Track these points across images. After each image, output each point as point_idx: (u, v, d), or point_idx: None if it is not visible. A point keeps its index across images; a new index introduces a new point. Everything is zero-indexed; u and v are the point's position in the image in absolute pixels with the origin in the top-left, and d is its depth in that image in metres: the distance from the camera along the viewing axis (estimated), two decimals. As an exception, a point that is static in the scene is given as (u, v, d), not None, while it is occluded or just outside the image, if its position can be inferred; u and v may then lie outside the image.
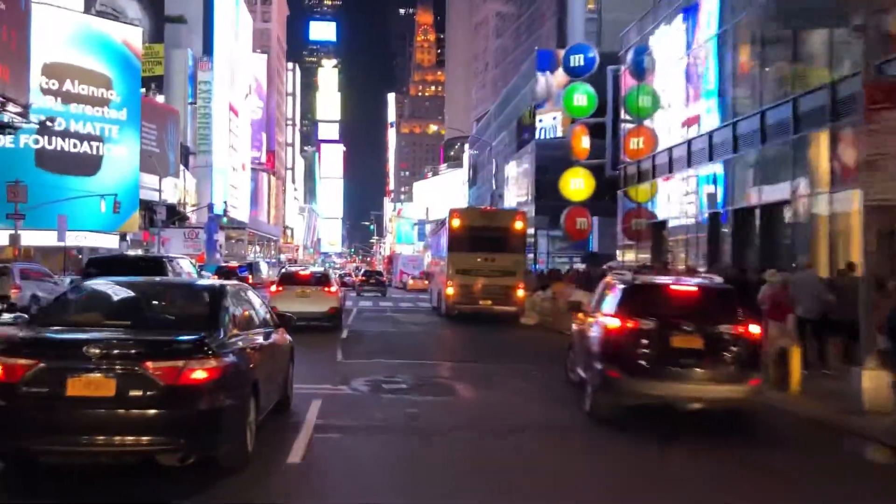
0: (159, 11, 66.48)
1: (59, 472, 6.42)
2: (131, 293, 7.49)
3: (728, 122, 25.18)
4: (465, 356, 16.01)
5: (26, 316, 11.93)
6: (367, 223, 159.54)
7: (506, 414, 9.86)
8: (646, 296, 9.27)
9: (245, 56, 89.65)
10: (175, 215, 57.43)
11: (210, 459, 6.21)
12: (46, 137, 44.80)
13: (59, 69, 45.81)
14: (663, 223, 32.13)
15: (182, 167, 64.64)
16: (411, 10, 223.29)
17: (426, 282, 62.04)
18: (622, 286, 9.45)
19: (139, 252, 51.99)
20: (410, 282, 60.36)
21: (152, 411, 5.72)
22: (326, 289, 20.18)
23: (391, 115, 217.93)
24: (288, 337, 9.03)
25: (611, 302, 9.54)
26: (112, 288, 7.64)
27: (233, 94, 79.29)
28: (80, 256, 47.91)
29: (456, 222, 24.70)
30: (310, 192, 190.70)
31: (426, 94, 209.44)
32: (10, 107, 33.41)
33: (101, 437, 5.73)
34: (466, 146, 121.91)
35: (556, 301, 23.40)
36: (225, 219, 55.16)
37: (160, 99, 59.74)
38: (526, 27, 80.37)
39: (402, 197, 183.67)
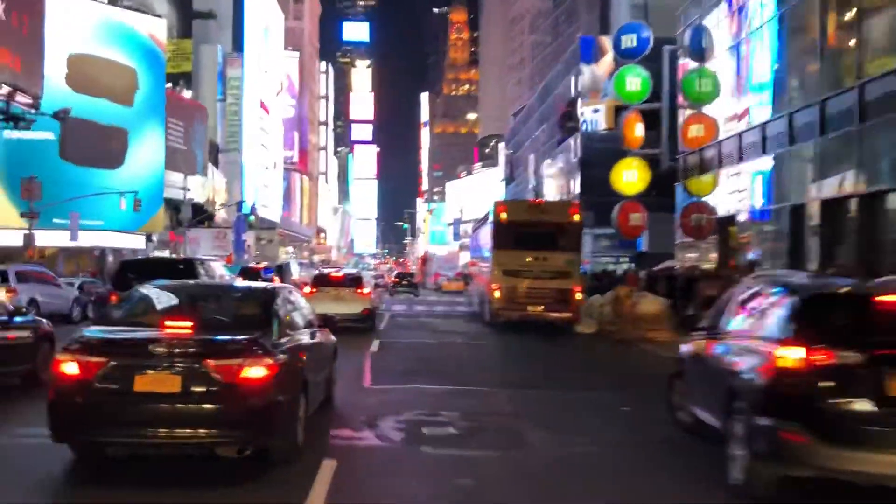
0: (187, 7, 64.14)
1: (125, 462, 6.62)
2: (189, 295, 7.81)
3: (814, 100, 21.59)
4: (525, 380, 12.73)
5: (44, 321, 11.22)
6: (400, 223, 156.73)
7: (608, 484, 6.61)
8: (838, 312, 5.92)
9: (276, 53, 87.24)
10: (202, 214, 54.91)
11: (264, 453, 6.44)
12: (70, 129, 42.33)
13: (83, 61, 43.42)
14: (730, 218, 28.60)
15: (211, 166, 62.19)
16: (445, 9, 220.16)
17: (462, 283, 58.97)
18: (793, 296, 6.10)
19: (166, 253, 49.68)
20: (445, 283, 57.23)
21: (213, 406, 5.93)
22: (359, 290, 20.26)
23: (424, 114, 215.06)
24: (332, 337, 9.27)
25: (770, 320, 6.23)
26: (170, 290, 7.81)
27: (264, 91, 76.76)
28: (110, 258, 45.68)
29: (502, 216, 21.42)
30: (343, 193, 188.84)
31: (460, 92, 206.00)
32: (20, 97, 30.93)
33: (165, 430, 5.94)
34: (501, 145, 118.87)
35: (618, 306, 20.08)
36: (252, 217, 52.36)
37: (187, 95, 57.26)
38: (564, 19, 76.85)
39: (436, 197, 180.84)
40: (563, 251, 20.82)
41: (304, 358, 7.13)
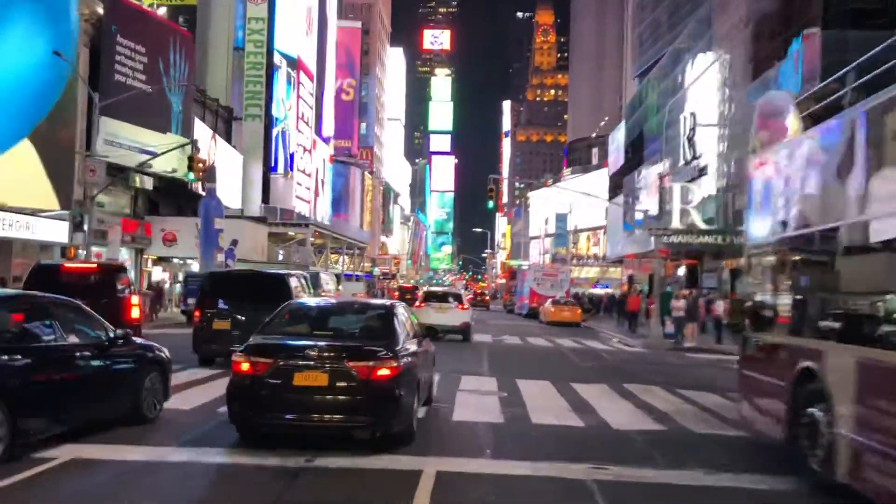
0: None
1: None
2: (327, 310, 9.10)
3: None
4: None
5: (155, 345, 8.97)
6: (478, 230, 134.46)
7: None
8: None
9: (328, 12, 66.46)
10: (175, 191, 33.81)
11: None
12: None
13: None
14: None
15: (210, 131, 41.13)
16: (529, 14, 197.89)
17: (578, 310, 35.83)
18: None
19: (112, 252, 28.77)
20: (551, 309, 34.04)
21: (353, 398, 7.04)
22: (460, 306, 22.37)
23: (506, 123, 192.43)
24: (432, 346, 10.07)
25: None
26: (312, 307, 9.25)
27: (303, 48, 55.78)
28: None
29: None
30: (420, 205, 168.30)
31: (545, 98, 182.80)
32: None
33: (316, 416, 7.08)
34: (608, 140, 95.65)
35: None
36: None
37: (161, 12, 36.21)
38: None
39: (518, 208, 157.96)
40: None
41: (416, 362, 7.99)
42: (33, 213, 25.90)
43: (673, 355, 20.51)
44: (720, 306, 23.29)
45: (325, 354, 7.13)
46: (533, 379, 13.16)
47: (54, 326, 7.15)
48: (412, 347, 8.04)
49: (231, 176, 44.03)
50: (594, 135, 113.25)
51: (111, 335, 7.76)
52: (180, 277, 35.53)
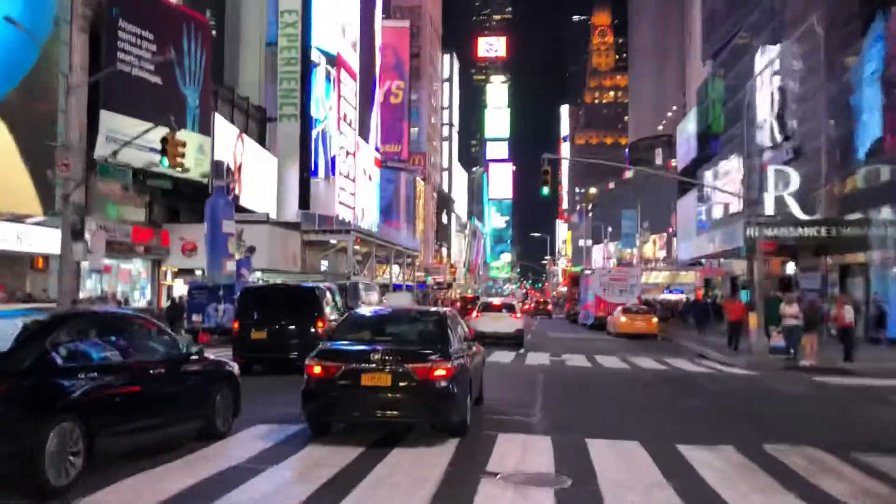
0: None
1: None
2: (386, 318, 9.85)
3: None
4: None
5: (225, 360, 9.12)
6: (537, 235, 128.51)
7: None
8: None
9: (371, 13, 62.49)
10: (197, 198, 29.81)
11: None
12: None
13: None
14: None
15: (241, 134, 37.41)
16: (585, 17, 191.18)
17: (653, 320, 30.37)
18: None
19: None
20: (622, 318, 28.71)
21: (413, 396, 7.76)
22: (514, 315, 24.01)
23: (564, 128, 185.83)
24: (482, 349, 10.92)
25: None
26: (372, 315, 10.23)
27: (342, 43, 51.68)
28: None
29: None
30: (478, 214, 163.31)
31: (604, 100, 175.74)
32: None
33: (381, 412, 7.83)
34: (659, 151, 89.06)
35: None
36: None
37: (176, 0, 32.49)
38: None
39: (579, 213, 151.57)
40: None
41: (467, 364, 8.74)
42: (17, 218, 22.15)
43: (795, 380, 15.12)
44: (849, 312, 17.67)
45: (388, 358, 7.83)
46: (612, 438, 8.16)
47: (128, 343, 7.03)
48: (463, 350, 8.84)
49: (264, 180, 40.18)
50: (660, 128, 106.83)
51: (184, 351, 7.78)
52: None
